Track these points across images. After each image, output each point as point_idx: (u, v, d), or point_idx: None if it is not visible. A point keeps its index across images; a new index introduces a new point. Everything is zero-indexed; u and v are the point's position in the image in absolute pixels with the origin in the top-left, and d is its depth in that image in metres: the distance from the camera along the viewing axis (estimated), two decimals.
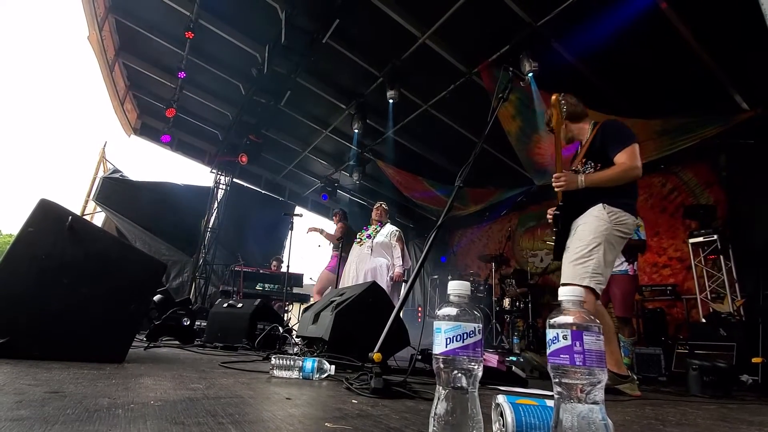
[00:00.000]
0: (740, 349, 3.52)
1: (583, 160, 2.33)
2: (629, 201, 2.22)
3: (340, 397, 1.27)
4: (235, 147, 7.28)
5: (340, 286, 4.34)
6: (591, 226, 2.16)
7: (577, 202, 2.25)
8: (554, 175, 2.24)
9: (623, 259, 3.63)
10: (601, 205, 2.17)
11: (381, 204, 4.73)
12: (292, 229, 4.96)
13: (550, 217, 2.34)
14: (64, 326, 1.60)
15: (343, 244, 5.00)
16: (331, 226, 5.82)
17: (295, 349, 2.86)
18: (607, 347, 2.18)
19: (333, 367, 1.76)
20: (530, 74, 4.01)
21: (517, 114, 4.98)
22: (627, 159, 2.12)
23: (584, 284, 2.04)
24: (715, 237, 4.50)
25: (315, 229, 5.17)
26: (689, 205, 5.00)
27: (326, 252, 5.36)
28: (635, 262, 3.66)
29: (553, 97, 2.35)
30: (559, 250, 2.33)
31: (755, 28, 2.20)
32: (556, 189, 2.26)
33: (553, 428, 0.66)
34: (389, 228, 4.51)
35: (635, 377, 2.24)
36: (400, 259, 4.29)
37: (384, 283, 4.08)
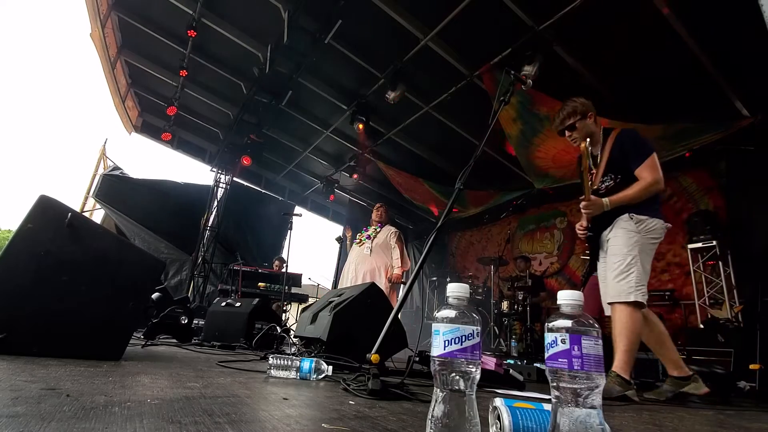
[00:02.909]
0: (738, 356, 3.52)
1: (603, 173, 2.32)
2: (654, 205, 2.23)
3: (337, 398, 1.27)
4: (236, 146, 7.29)
5: (339, 287, 4.33)
6: (622, 239, 2.18)
7: (604, 215, 2.26)
8: (582, 204, 2.23)
9: None
10: (627, 215, 2.19)
11: (381, 205, 4.71)
12: (291, 229, 4.96)
13: (583, 236, 2.38)
14: (61, 323, 1.59)
15: (344, 246, 5.00)
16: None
17: (293, 349, 2.86)
18: (663, 351, 2.19)
19: (330, 367, 1.75)
20: (531, 78, 4.03)
21: (518, 117, 4.98)
22: (649, 174, 2.14)
23: (630, 300, 2.09)
24: (714, 243, 4.50)
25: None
26: (692, 217, 4.96)
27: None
28: None
29: (582, 145, 2.23)
30: (593, 264, 2.40)
31: (756, 34, 2.20)
32: (585, 215, 2.28)
33: None
34: (389, 229, 4.49)
35: (696, 376, 2.19)
36: (399, 260, 4.27)
37: (382, 284, 4.07)
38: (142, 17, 5.52)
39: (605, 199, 2.20)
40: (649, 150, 2.19)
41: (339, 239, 5.28)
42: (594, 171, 2.37)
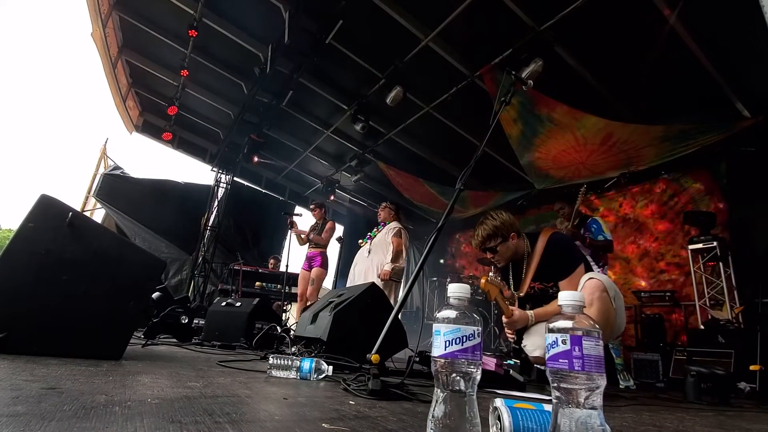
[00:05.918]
0: (738, 357, 3.52)
1: (532, 282, 2.25)
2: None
3: (337, 398, 1.27)
4: (237, 146, 7.29)
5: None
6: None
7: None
8: (506, 322, 2.15)
9: (594, 262, 3.63)
10: None
11: (386, 204, 4.67)
12: (291, 228, 4.96)
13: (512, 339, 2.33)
14: (62, 322, 1.59)
15: (344, 246, 4.99)
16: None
17: (293, 349, 2.86)
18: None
19: (331, 367, 1.75)
20: (532, 79, 4.02)
21: (519, 118, 4.98)
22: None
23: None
24: (715, 244, 4.50)
25: (295, 227, 5.12)
26: (689, 211, 4.99)
27: (302, 249, 5.33)
28: (605, 266, 3.68)
29: (483, 281, 1.89)
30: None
31: (758, 35, 2.21)
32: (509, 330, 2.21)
33: None
34: (389, 226, 4.43)
35: None
36: (391, 255, 4.14)
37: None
38: (143, 17, 5.52)
39: (530, 313, 2.14)
40: (573, 265, 2.14)
41: (339, 239, 5.28)
42: (525, 275, 2.29)
